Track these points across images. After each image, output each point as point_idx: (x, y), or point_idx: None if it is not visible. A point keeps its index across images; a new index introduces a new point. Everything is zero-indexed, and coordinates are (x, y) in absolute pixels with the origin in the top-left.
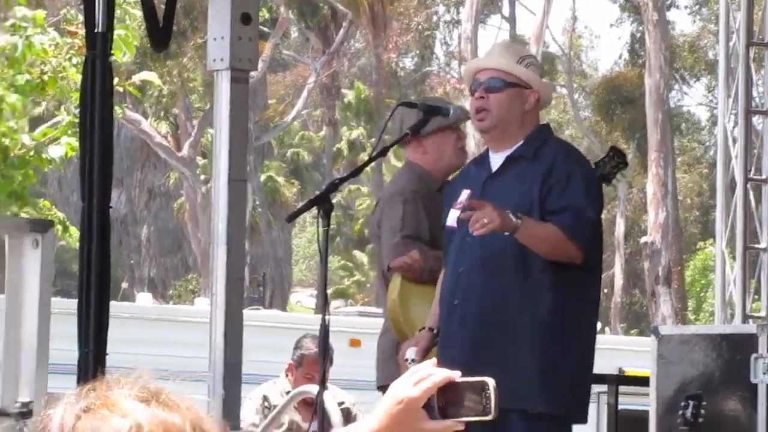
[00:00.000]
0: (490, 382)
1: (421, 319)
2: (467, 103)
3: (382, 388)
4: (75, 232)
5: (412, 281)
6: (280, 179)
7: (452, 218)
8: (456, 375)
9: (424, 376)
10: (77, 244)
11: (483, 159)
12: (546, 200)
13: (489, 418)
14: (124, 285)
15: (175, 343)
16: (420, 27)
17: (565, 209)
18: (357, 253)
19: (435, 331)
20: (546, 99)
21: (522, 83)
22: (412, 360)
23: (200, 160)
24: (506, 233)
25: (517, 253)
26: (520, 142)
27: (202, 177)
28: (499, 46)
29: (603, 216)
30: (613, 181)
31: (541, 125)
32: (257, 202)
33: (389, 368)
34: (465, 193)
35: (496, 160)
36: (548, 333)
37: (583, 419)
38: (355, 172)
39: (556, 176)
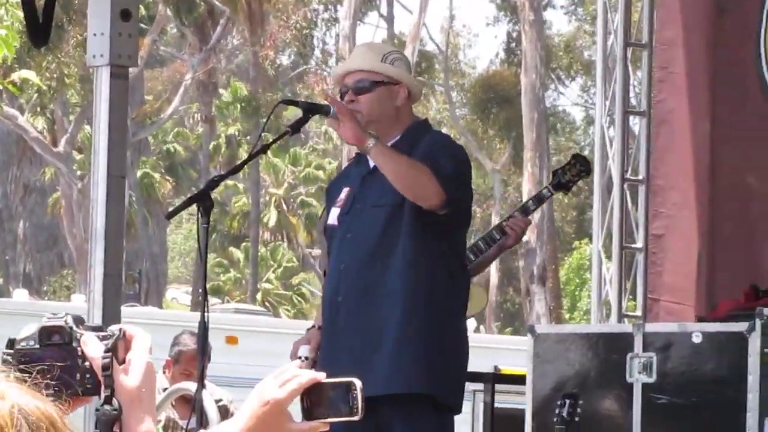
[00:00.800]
0: (357, 382)
1: None
2: None
3: None
4: None
5: None
6: (156, 176)
7: (333, 216)
8: (321, 376)
9: (290, 377)
10: None
11: (361, 157)
12: None
13: (356, 418)
14: (0, 281)
15: None
16: (298, 24)
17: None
18: (233, 249)
19: None
20: (416, 92)
21: (389, 80)
22: (306, 358)
23: (77, 156)
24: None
25: (393, 246)
26: (397, 137)
27: (79, 173)
28: (362, 47)
29: (479, 215)
30: (572, 188)
31: (420, 120)
32: (133, 198)
33: None
34: (345, 191)
35: None
36: (423, 322)
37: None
38: (236, 169)
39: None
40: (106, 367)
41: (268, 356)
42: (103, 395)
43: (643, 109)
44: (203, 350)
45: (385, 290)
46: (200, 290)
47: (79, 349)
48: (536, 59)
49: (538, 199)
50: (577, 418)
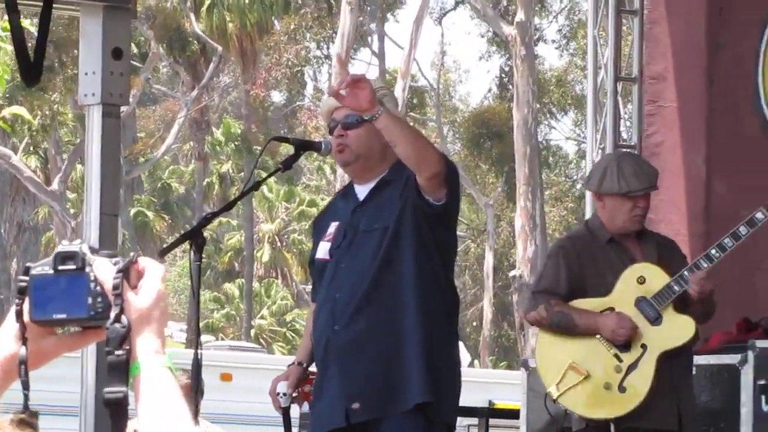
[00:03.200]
0: None
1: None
2: None
3: None
4: None
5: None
6: (150, 213)
7: (323, 251)
8: None
9: None
10: None
11: (349, 192)
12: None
13: None
14: None
15: (43, 378)
16: (290, 62)
17: None
18: (227, 285)
19: (304, 365)
20: None
21: None
22: (284, 394)
23: (70, 195)
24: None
25: (391, 267)
26: (386, 171)
27: (72, 211)
28: None
29: (472, 249)
30: None
31: None
32: (126, 236)
33: None
34: (334, 226)
35: (362, 191)
36: (424, 350)
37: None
38: (228, 207)
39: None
40: (116, 287)
41: (262, 393)
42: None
43: (634, 143)
44: (197, 387)
45: (384, 309)
46: (194, 327)
47: (92, 274)
48: (528, 94)
49: (750, 224)
50: None
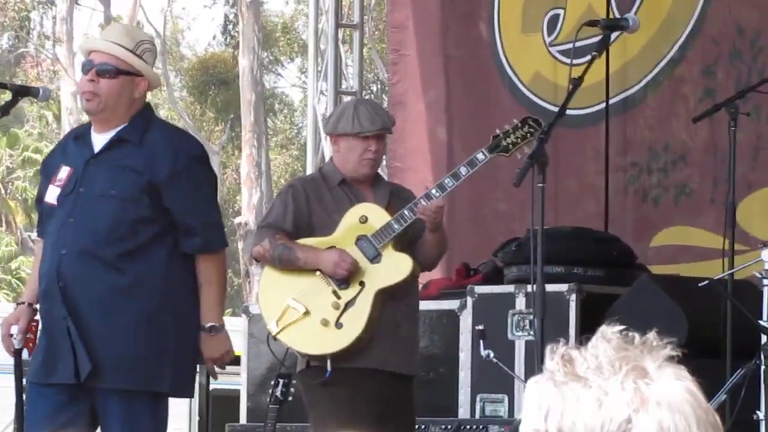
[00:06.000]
0: None
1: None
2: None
3: None
4: None
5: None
6: None
7: (52, 195)
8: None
9: None
10: None
11: (84, 136)
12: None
13: None
14: None
15: None
16: (16, 7)
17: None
18: None
19: (34, 306)
20: (155, 85)
21: (134, 71)
22: (16, 336)
23: None
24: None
25: (126, 238)
26: (125, 124)
27: None
28: (119, 28)
29: None
30: (512, 151)
31: (144, 106)
32: None
33: None
34: (65, 170)
35: (99, 140)
36: (152, 320)
37: (186, 393)
38: None
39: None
40: None
41: None
42: None
43: (355, 90)
44: None
45: (119, 281)
46: None
47: None
48: (254, 41)
49: (470, 164)
50: (290, 398)
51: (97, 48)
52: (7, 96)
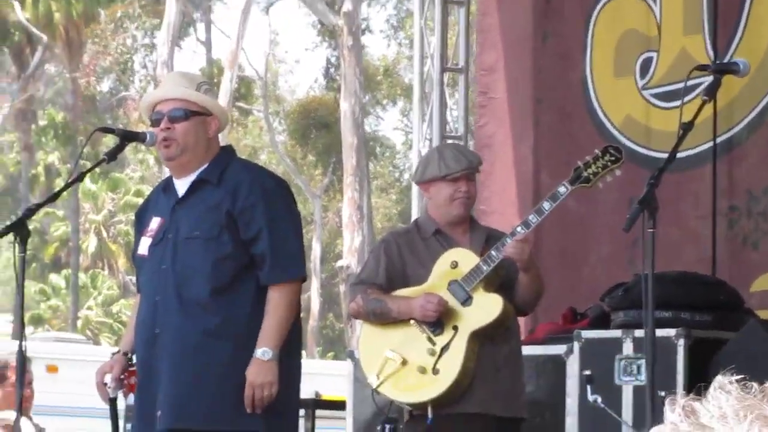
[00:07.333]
0: None
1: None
2: None
3: None
4: None
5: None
6: None
7: (144, 247)
8: None
9: None
10: None
11: (168, 185)
12: (239, 228)
13: None
14: None
15: None
16: (118, 50)
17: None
18: (53, 276)
19: (129, 355)
20: (224, 123)
21: (203, 111)
22: (111, 384)
23: None
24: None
25: (207, 276)
26: (205, 166)
27: None
28: (175, 76)
29: None
30: (594, 181)
31: (223, 147)
32: None
33: None
34: (156, 221)
35: (181, 186)
36: (241, 360)
37: None
38: (52, 198)
39: (242, 203)
40: None
41: (88, 385)
42: None
43: (461, 133)
44: (21, 380)
45: (210, 322)
46: (19, 320)
47: None
48: (355, 84)
49: (553, 198)
50: None
51: (162, 97)
52: (110, 140)
